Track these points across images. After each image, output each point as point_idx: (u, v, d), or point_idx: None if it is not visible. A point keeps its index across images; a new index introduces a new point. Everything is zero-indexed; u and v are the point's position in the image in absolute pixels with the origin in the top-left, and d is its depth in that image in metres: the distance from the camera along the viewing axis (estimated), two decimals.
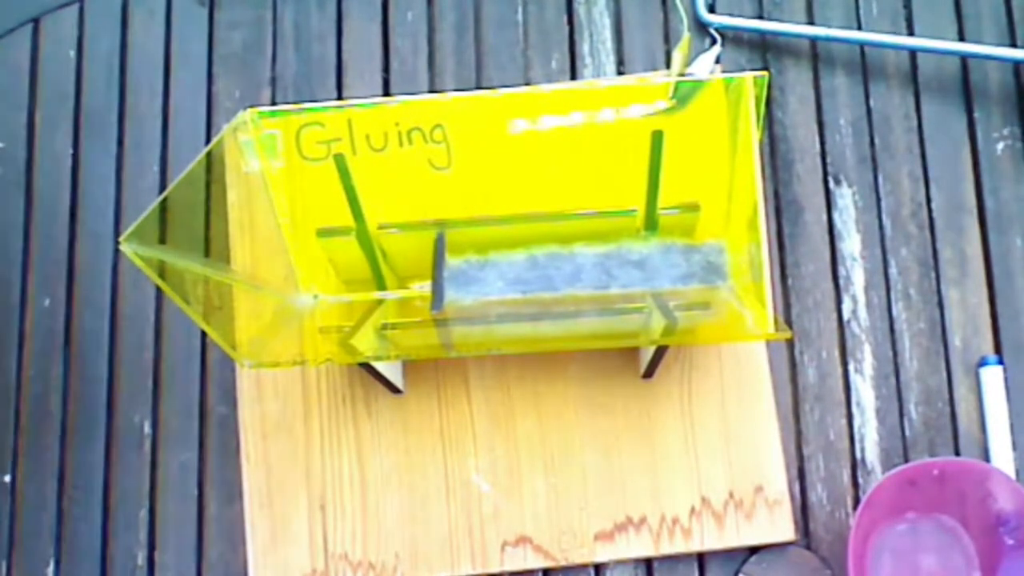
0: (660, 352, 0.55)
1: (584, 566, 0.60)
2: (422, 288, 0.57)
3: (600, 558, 0.59)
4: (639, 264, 0.54)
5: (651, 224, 0.54)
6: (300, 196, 0.54)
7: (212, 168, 0.50)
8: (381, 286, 0.57)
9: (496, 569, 0.59)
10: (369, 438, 0.61)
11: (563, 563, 0.59)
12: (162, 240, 0.52)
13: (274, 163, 0.52)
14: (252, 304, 0.55)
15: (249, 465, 0.61)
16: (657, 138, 0.51)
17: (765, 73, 0.48)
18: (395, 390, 0.60)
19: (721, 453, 0.60)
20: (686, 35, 0.53)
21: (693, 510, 0.59)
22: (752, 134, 0.47)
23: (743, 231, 0.50)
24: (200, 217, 0.56)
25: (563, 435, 0.61)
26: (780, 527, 0.59)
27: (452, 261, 0.54)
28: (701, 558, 0.60)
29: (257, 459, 0.61)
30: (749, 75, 0.48)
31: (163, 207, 0.49)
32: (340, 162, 0.52)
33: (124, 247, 0.47)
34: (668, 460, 0.60)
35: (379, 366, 0.56)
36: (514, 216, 0.55)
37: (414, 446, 0.61)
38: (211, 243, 0.59)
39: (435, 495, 0.60)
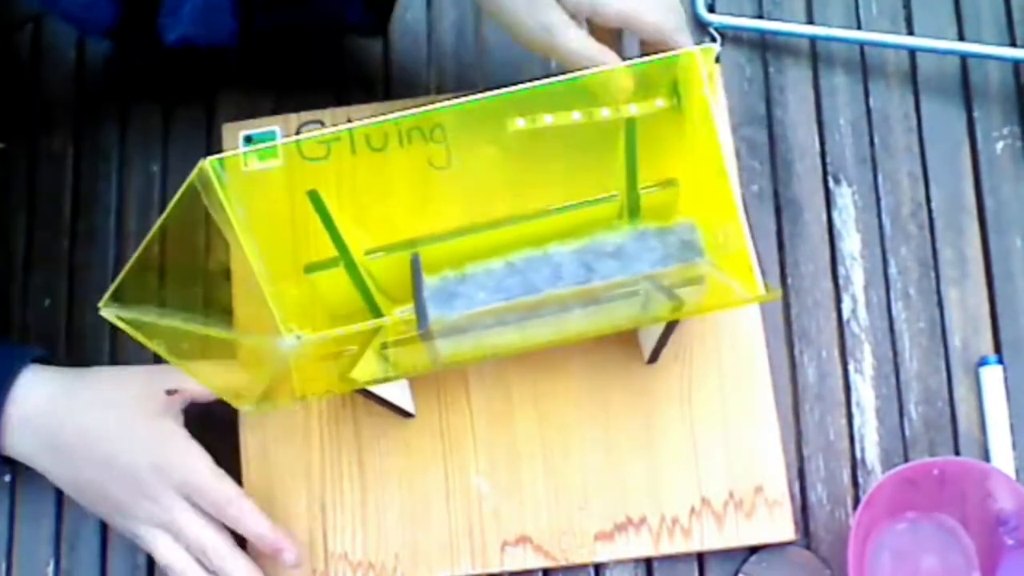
0: (665, 335, 0.54)
1: (584, 566, 0.60)
2: (403, 313, 0.57)
3: (600, 558, 0.59)
4: (615, 254, 0.54)
5: (633, 212, 0.54)
6: (278, 232, 0.54)
7: (193, 212, 0.50)
8: (377, 314, 0.57)
9: (496, 569, 0.59)
10: (369, 438, 0.61)
11: (563, 563, 0.59)
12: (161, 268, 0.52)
13: (273, 162, 0.52)
14: (244, 351, 0.55)
15: (249, 465, 0.61)
16: (630, 126, 0.51)
17: (714, 46, 0.48)
18: (406, 415, 0.60)
19: (721, 453, 0.60)
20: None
21: (693, 510, 0.59)
22: (709, 107, 0.47)
23: (717, 205, 0.50)
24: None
25: (563, 435, 0.61)
26: (780, 527, 0.59)
27: (430, 280, 0.54)
28: (701, 558, 0.60)
29: (257, 459, 0.61)
30: (697, 48, 0.48)
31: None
32: (315, 198, 0.52)
33: (104, 312, 0.47)
34: (668, 460, 0.60)
35: (388, 394, 0.56)
36: (486, 223, 0.54)
37: (414, 446, 0.61)
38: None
39: (435, 495, 0.60)
